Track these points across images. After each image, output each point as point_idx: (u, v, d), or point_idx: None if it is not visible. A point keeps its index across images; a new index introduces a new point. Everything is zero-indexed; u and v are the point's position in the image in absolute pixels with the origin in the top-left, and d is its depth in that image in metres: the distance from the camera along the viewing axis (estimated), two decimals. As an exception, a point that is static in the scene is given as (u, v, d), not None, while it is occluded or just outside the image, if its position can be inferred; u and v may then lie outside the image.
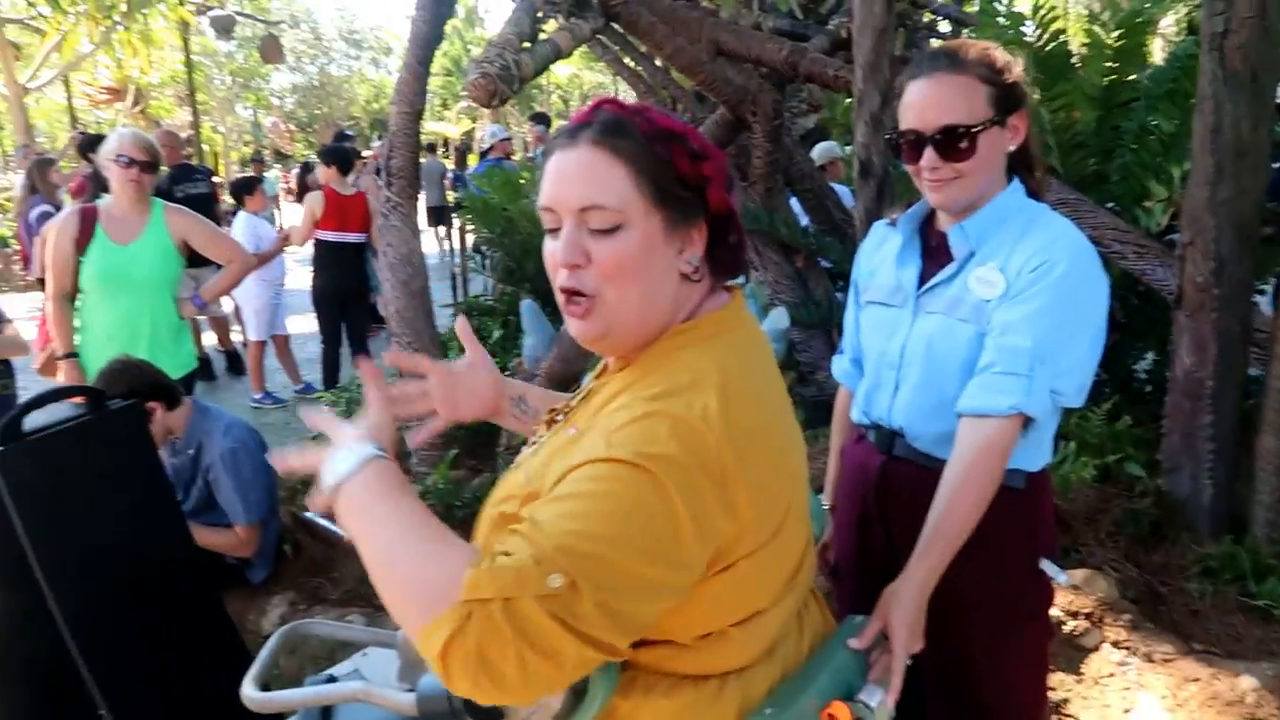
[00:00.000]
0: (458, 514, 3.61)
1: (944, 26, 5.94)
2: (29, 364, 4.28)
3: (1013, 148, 1.53)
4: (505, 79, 2.78)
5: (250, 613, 3.33)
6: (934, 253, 1.62)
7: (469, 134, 22.97)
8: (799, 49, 4.15)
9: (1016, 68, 1.53)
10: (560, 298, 1.09)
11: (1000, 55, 1.52)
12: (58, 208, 6.42)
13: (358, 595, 3.41)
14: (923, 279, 1.61)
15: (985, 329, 1.48)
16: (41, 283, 6.23)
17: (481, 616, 0.85)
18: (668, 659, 1.07)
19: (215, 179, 8.62)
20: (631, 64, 5.45)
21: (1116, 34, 3.28)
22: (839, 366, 1.87)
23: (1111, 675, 2.45)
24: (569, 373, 4.09)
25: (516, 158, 11.14)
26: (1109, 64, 3.36)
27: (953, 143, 1.48)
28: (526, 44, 3.15)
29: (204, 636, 2.63)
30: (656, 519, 0.93)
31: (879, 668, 1.32)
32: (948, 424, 1.52)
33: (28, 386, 4.14)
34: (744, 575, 1.04)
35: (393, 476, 1.00)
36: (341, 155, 6.60)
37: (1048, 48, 3.36)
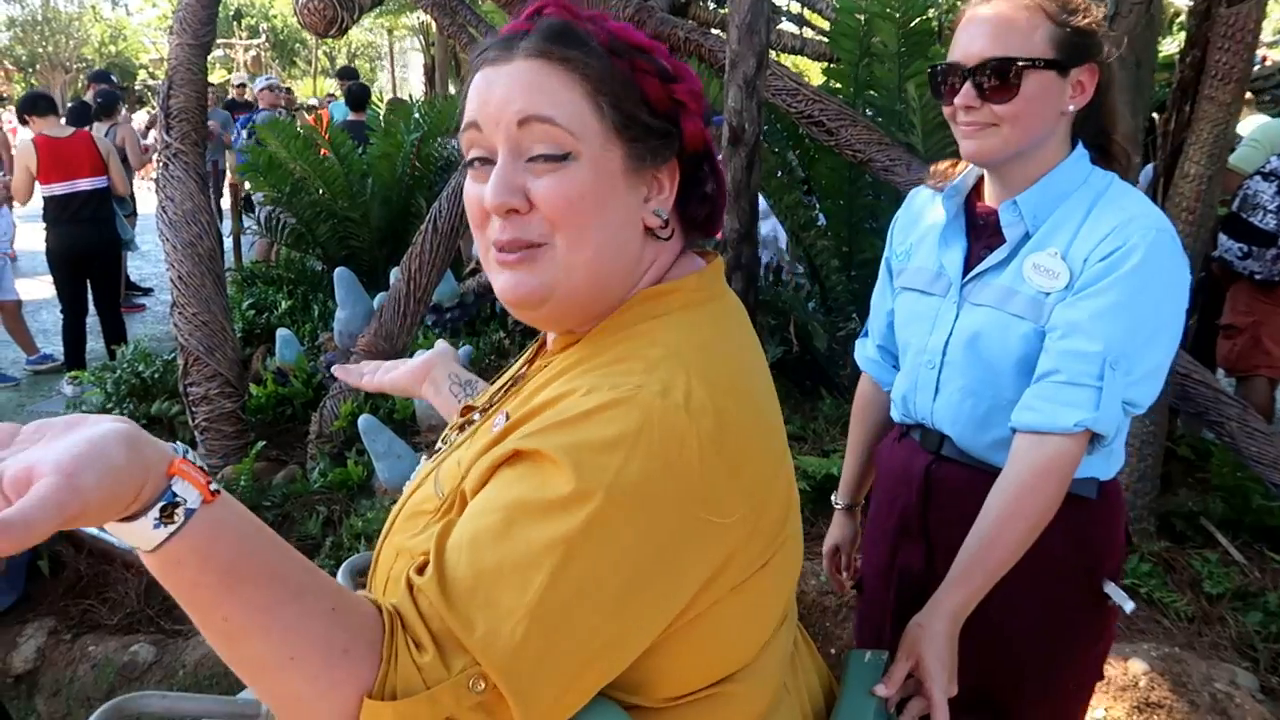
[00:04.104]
0: (267, 515, 3.09)
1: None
2: None
3: (1073, 107, 1.28)
4: (346, 5, 2.33)
5: (-3, 648, 2.69)
6: (981, 233, 1.37)
7: (224, 85, 20.94)
8: (646, 8, 3.89)
9: (1096, 12, 1.29)
10: (488, 256, 0.83)
11: None
12: None
13: (142, 618, 2.84)
14: (968, 264, 1.37)
15: (1044, 326, 1.26)
16: None
17: None
18: None
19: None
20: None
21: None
22: (862, 351, 1.62)
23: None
24: (392, 351, 3.64)
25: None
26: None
27: (993, 79, 1.24)
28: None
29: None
30: (619, 573, 0.70)
31: (910, 716, 1.11)
32: (1002, 431, 1.31)
33: None
34: (732, 611, 0.79)
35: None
36: (33, 98, 5.75)
37: (914, 23, 3.30)
